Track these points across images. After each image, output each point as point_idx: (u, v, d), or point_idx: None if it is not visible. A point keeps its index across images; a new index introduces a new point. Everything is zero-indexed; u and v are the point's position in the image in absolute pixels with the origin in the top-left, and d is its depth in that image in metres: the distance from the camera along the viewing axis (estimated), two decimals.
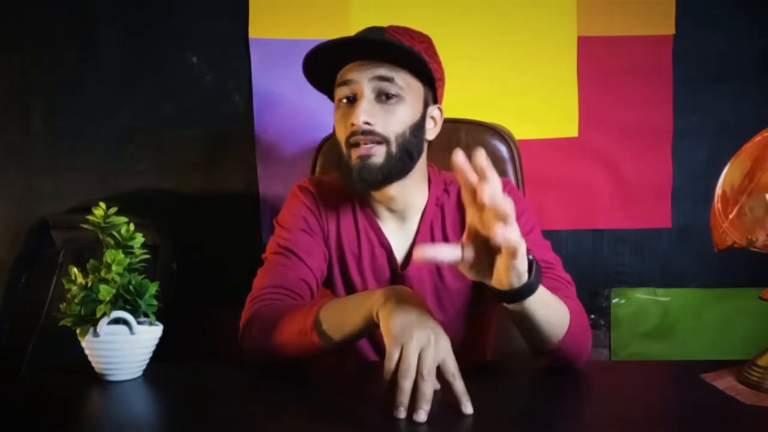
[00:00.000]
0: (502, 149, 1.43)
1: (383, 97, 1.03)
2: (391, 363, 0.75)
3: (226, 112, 1.73)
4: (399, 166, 1.05)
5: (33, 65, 1.72)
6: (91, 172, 1.74)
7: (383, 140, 1.03)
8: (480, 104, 1.69)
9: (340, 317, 0.89)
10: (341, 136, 1.06)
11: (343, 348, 0.91)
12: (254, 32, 1.71)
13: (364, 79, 1.02)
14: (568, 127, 1.72)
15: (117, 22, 1.72)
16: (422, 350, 0.74)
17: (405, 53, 1.01)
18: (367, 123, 1.01)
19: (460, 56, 1.68)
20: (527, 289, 0.78)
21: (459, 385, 0.76)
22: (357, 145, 1.03)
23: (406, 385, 0.73)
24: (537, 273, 0.79)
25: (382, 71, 1.02)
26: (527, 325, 0.86)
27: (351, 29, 1.68)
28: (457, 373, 0.76)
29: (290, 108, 1.72)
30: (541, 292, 0.81)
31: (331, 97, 1.11)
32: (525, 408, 0.84)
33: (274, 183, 1.74)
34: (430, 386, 0.73)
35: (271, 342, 0.94)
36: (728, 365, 0.93)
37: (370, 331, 0.87)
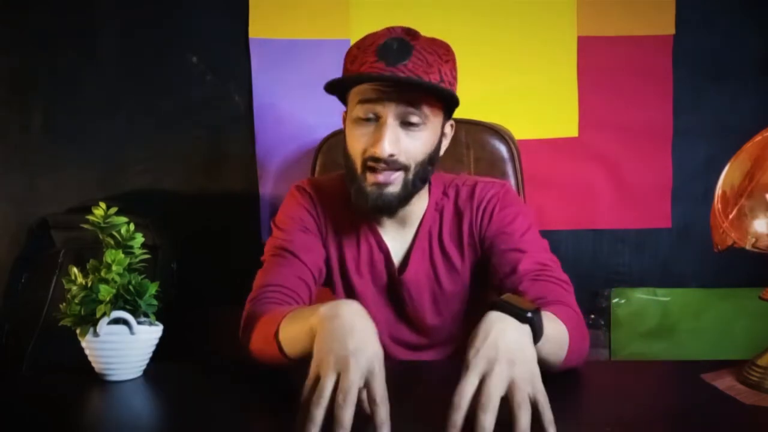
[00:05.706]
0: (502, 149, 1.43)
1: (406, 123, 1.00)
2: (305, 389, 0.70)
3: (226, 112, 1.73)
4: (413, 192, 1.04)
5: (33, 65, 1.72)
6: (91, 172, 1.74)
7: (403, 168, 1.01)
8: (480, 104, 1.69)
9: (293, 332, 0.84)
10: (356, 155, 1.02)
11: (301, 363, 0.81)
12: (254, 32, 1.71)
13: (390, 105, 0.99)
14: (568, 127, 1.72)
15: (117, 22, 1.72)
16: (340, 374, 0.68)
17: (441, 92, 0.99)
18: (392, 155, 0.99)
19: (460, 56, 1.64)
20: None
21: (379, 413, 0.67)
22: (374, 169, 1.00)
23: (317, 413, 0.66)
24: (539, 327, 0.76)
25: (410, 101, 0.99)
26: None
27: (351, 29, 1.68)
28: (383, 398, 0.68)
29: (290, 108, 1.72)
30: (545, 335, 0.78)
31: (337, 96, 1.08)
32: None
33: (274, 183, 1.74)
34: (347, 413, 0.65)
35: (250, 347, 0.94)
36: (728, 365, 0.93)
37: None
